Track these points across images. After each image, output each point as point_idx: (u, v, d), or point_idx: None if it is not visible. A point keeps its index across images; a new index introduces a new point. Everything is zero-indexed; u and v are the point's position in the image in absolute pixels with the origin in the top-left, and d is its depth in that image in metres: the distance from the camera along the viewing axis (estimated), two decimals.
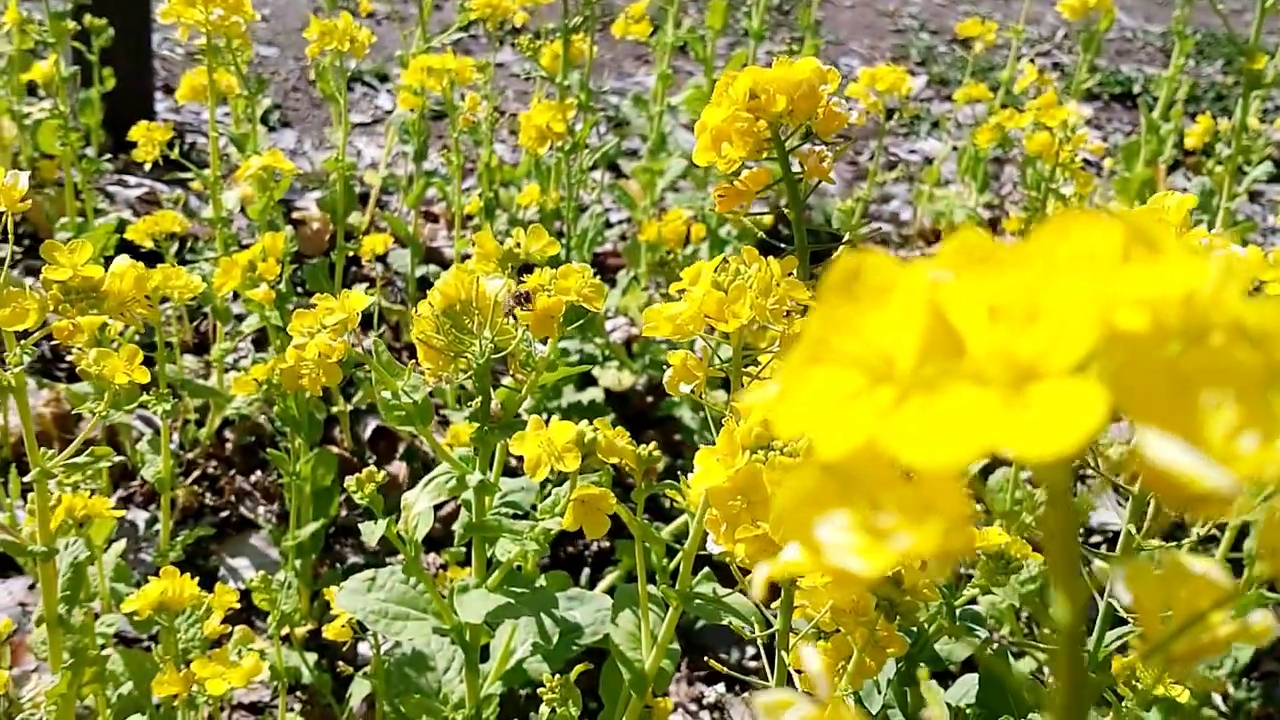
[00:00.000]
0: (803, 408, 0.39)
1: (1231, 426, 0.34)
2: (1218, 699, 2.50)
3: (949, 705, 1.67)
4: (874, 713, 1.46)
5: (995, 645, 1.72)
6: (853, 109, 1.20)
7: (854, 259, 0.40)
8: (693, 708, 2.41)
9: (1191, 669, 0.48)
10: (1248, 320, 0.37)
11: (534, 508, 1.56)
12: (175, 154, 2.33)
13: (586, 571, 2.55)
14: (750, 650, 2.49)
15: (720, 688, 2.43)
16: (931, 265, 0.40)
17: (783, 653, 1.20)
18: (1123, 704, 1.35)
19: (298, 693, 2.21)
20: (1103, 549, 2.74)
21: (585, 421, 1.34)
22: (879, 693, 1.49)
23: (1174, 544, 1.45)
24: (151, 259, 2.45)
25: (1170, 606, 0.48)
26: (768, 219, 1.58)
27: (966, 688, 1.70)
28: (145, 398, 1.75)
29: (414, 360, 1.47)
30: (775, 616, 1.24)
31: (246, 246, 2.42)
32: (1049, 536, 0.42)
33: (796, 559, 0.44)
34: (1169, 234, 0.38)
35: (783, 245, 1.31)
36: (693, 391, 1.20)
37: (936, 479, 0.37)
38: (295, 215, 3.39)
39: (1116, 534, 2.81)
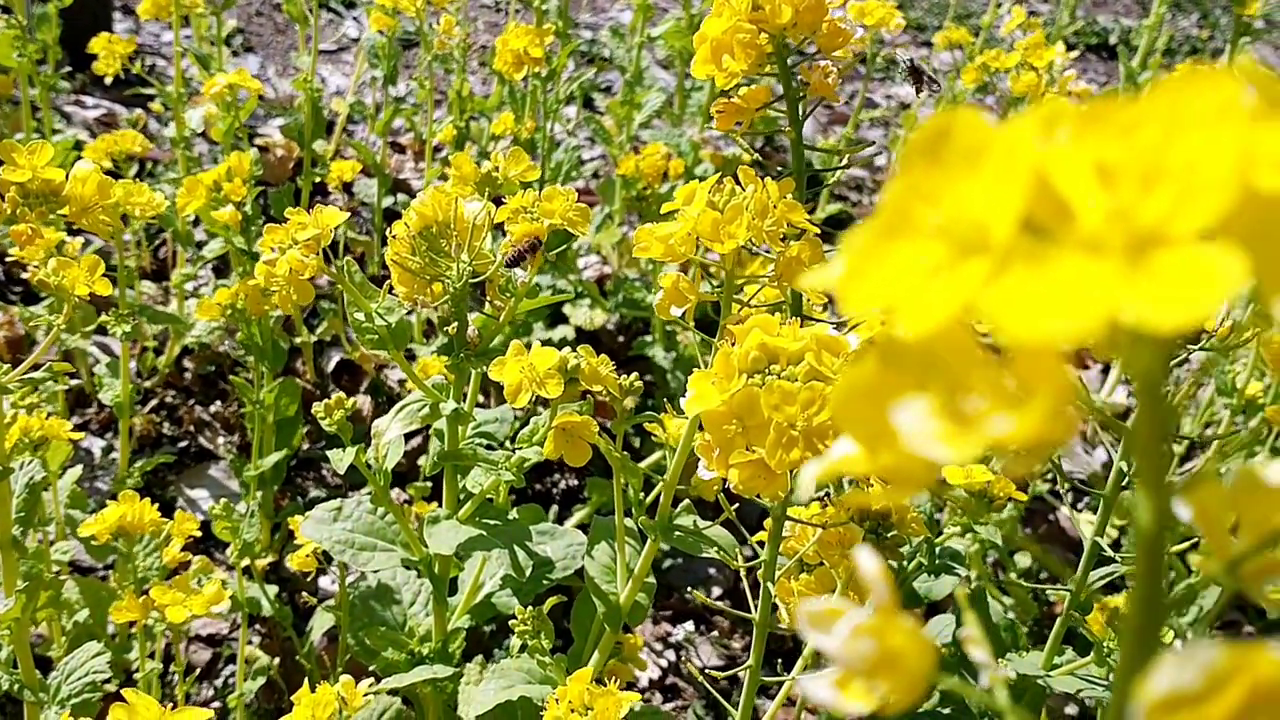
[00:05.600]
0: (881, 283, 0.35)
1: None
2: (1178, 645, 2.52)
3: None
4: None
5: (971, 586, 1.71)
6: (855, 26, 1.16)
7: (943, 118, 0.36)
8: (658, 646, 2.39)
9: (1261, 588, 0.45)
10: None
11: (509, 439, 1.52)
12: (138, 68, 2.23)
13: (555, 509, 2.51)
14: (717, 591, 2.48)
15: (688, 626, 2.41)
16: (1024, 127, 0.36)
17: (768, 583, 1.17)
18: (1104, 645, 1.34)
19: (257, 625, 2.17)
20: (1069, 496, 2.72)
21: (567, 349, 1.30)
22: None
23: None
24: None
25: (1240, 522, 0.45)
26: (748, 157, 1.53)
27: (941, 626, 1.69)
28: (104, 319, 1.69)
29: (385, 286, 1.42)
30: (754, 548, 1.21)
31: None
32: (1139, 433, 0.38)
33: (848, 456, 0.40)
34: None
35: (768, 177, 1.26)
36: (683, 315, 1.15)
37: (1037, 356, 0.33)
38: (259, 142, 3.30)
39: (1083, 481, 2.81)
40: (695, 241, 1.12)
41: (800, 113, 1.14)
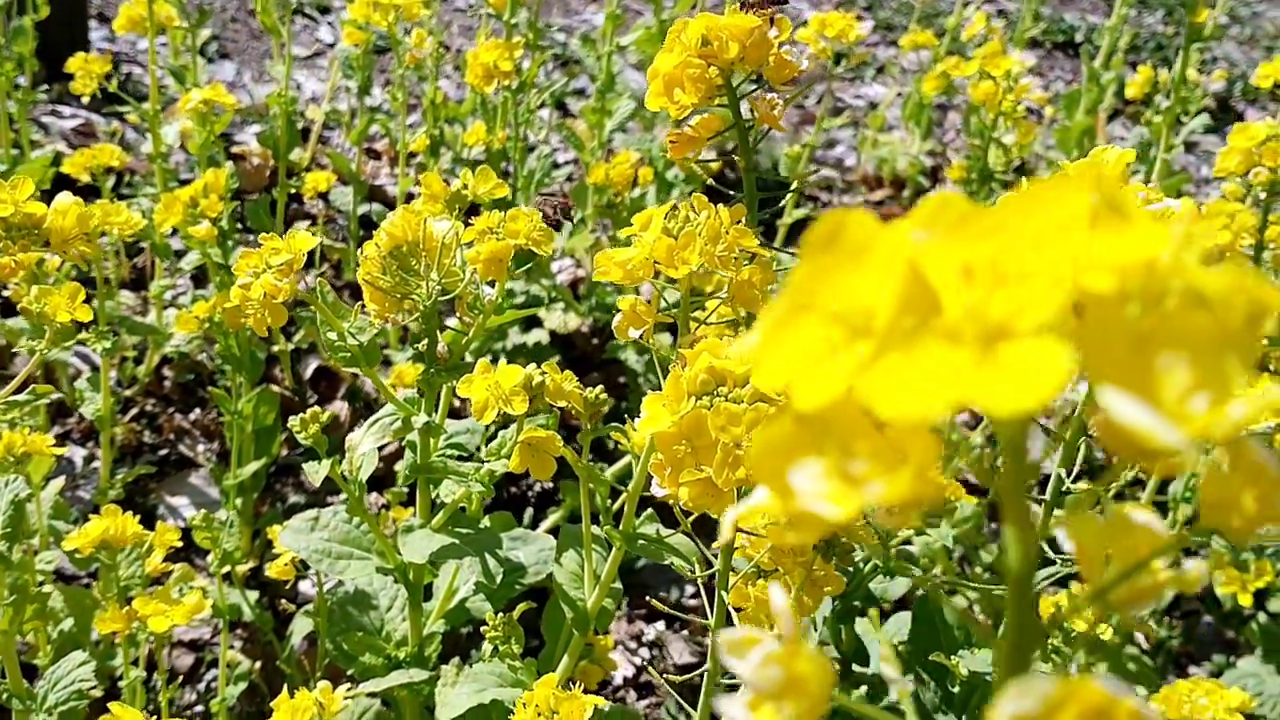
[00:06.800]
0: (784, 359, 0.41)
1: (1185, 388, 0.36)
2: (1139, 636, 2.59)
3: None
4: None
5: (927, 585, 1.76)
6: (802, 54, 1.21)
7: (837, 216, 0.41)
8: (632, 645, 2.44)
9: (1130, 613, 0.51)
10: (1205, 286, 0.38)
11: (479, 449, 1.57)
12: (113, 86, 2.27)
13: (530, 511, 2.56)
14: (689, 589, 2.54)
15: (660, 625, 2.47)
16: (910, 224, 0.42)
17: (723, 592, 1.22)
18: (1048, 641, 1.40)
19: (238, 630, 2.21)
20: (1033, 492, 2.81)
21: (533, 365, 1.34)
22: (814, 629, 1.53)
23: (1099, 485, 1.49)
24: (88, 192, 2.41)
25: (1111, 554, 0.50)
26: (715, 165, 1.58)
27: (899, 625, 1.75)
28: (84, 335, 1.73)
29: (359, 301, 1.46)
30: (716, 557, 1.27)
31: (185, 181, 2.38)
32: (1005, 488, 0.43)
33: (764, 502, 0.46)
34: (1135, 201, 0.39)
35: (731, 192, 1.32)
36: (641, 337, 1.21)
37: (907, 432, 0.39)
38: (235, 150, 3.33)
39: (1046, 477, 2.88)
40: (653, 266, 1.17)
41: (749, 141, 1.20)
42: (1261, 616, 2.43)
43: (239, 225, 2.83)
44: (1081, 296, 0.37)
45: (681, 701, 1.41)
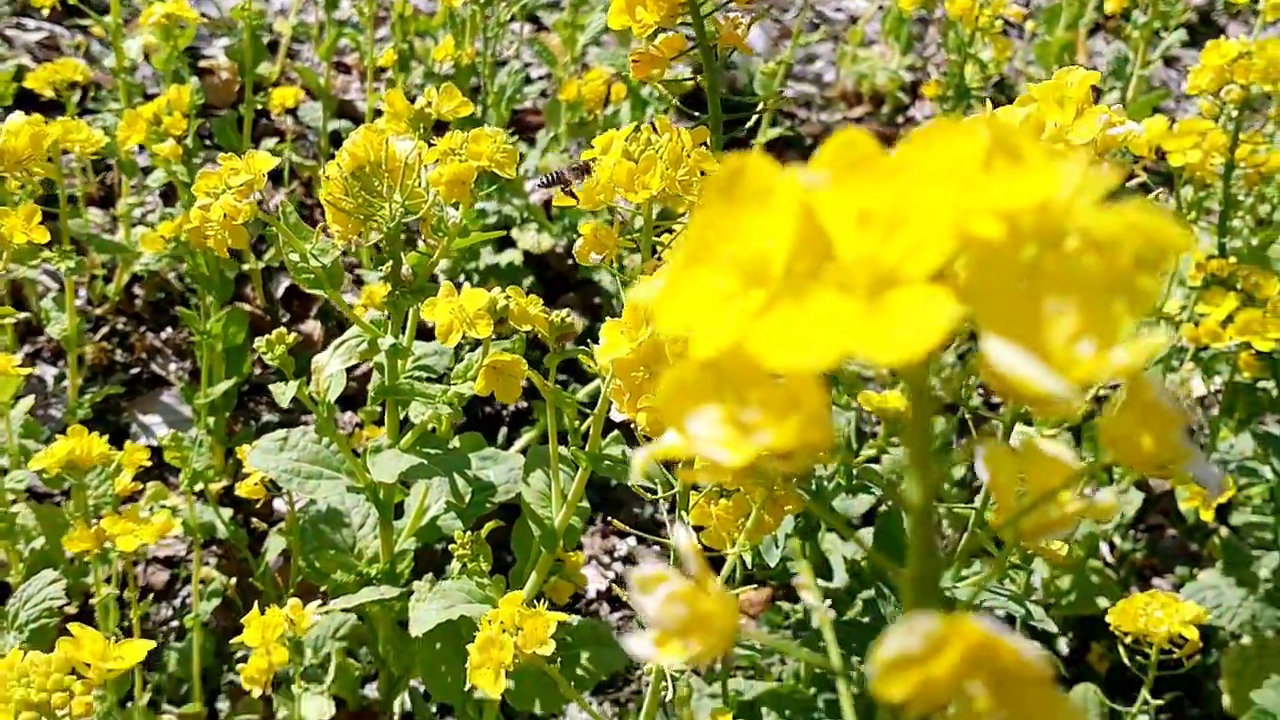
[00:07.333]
0: (682, 306, 0.41)
1: (1072, 333, 0.37)
2: (1104, 549, 2.63)
3: (845, 558, 1.75)
4: (772, 565, 1.52)
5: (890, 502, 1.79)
6: None
7: (736, 161, 0.41)
8: (605, 559, 2.48)
9: (1040, 542, 0.52)
10: (1096, 229, 0.39)
11: (448, 371, 1.58)
12: None
13: (504, 430, 2.58)
14: (665, 505, 2.56)
15: (632, 540, 2.50)
16: (810, 168, 0.42)
17: (683, 512, 1.24)
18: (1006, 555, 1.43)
19: (213, 547, 2.23)
20: (1002, 409, 2.82)
21: (499, 288, 1.34)
22: (777, 546, 1.56)
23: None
24: (52, 108, 2.37)
25: (1025, 484, 0.51)
26: (688, 84, 1.56)
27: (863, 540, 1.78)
28: (48, 254, 1.72)
29: (324, 222, 1.45)
30: (677, 478, 1.28)
31: (152, 96, 2.34)
32: (908, 426, 0.44)
33: (674, 444, 0.46)
34: (1030, 142, 0.40)
35: (697, 114, 1.31)
36: (603, 261, 1.21)
37: (795, 380, 0.39)
38: (202, 64, 3.28)
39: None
40: (614, 190, 1.17)
41: (714, 61, 1.19)
42: (1224, 530, 2.47)
43: (206, 142, 2.79)
44: (970, 242, 0.37)
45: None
